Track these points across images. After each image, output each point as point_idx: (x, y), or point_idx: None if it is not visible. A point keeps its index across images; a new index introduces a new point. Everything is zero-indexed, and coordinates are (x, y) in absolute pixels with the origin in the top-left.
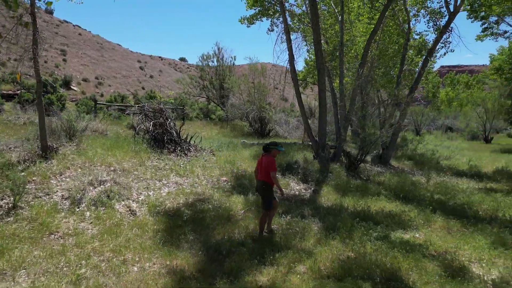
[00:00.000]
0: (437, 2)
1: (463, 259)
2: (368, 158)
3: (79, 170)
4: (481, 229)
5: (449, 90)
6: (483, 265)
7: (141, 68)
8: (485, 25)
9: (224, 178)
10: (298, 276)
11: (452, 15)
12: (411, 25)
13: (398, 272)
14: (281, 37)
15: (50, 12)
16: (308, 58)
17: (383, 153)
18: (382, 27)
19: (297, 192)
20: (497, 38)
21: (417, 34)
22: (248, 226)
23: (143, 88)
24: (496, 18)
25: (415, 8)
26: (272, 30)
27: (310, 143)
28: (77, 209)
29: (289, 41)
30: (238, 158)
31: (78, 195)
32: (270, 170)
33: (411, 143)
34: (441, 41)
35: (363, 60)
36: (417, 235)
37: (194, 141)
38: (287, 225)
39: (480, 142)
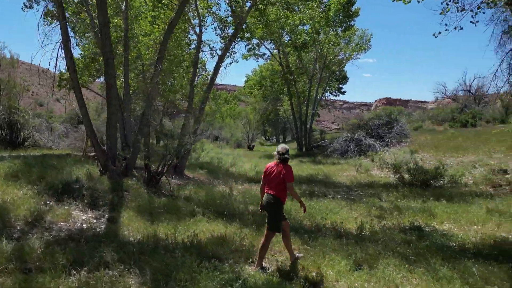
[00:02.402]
0: (225, 11)
1: None
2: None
3: None
4: (324, 244)
5: (212, 104)
6: None
7: None
8: (249, 46)
9: None
10: None
11: (239, 25)
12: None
13: None
14: (43, 21)
15: None
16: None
17: (177, 163)
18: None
19: (85, 225)
20: (258, 58)
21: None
22: None
23: None
24: (257, 41)
25: (206, 14)
26: (31, 7)
27: (94, 154)
28: None
29: (62, 15)
30: None
31: None
32: (289, 181)
33: (194, 151)
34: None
35: (161, 54)
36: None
37: None
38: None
39: (245, 149)
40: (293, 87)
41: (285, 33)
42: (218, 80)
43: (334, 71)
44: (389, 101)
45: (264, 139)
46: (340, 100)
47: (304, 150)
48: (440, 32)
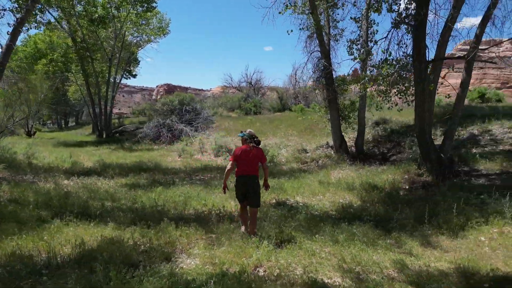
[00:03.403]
0: None
1: None
2: None
3: None
4: (227, 229)
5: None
6: None
7: None
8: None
9: None
10: None
11: None
12: None
13: None
14: None
15: None
16: None
17: None
18: None
19: None
20: (40, 26)
21: None
22: None
23: None
24: (40, 6)
25: None
26: None
27: None
28: None
29: None
30: None
31: None
32: (264, 161)
33: None
34: None
35: None
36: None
37: None
38: None
39: (22, 137)
40: (89, 65)
41: (76, 1)
42: None
43: (134, 53)
44: (170, 87)
45: (39, 124)
46: (121, 84)
47: (104, 136)
48: (292, 30)
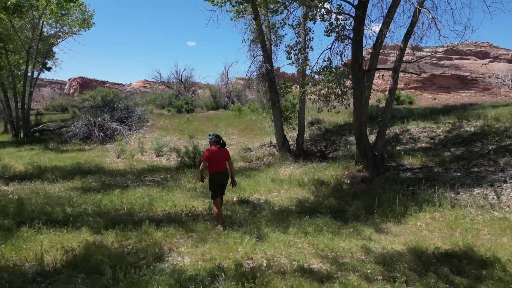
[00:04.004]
0: None
1: None
2: None
3: None
4: (205, 228)
5: None
6: None
7: None
8: None
9: None
10: None
11: None
12: None
13: None
14: None
15: None
16: None
17: None
18: None
19: None
20: None
21: None
22: None
23: None
24: None
25: None
26: None
27: None
28: None
29: None
30: None
31: None
32: (230, 159)
33: None
34: None
35: None
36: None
37: None
38: None
39: None
40: (3, 57)
41: None
42: None
43: (54, 45)
44: (84, 81)
45: None
46: (28, 77)
47: (22, 136)
48: (248, 38)
